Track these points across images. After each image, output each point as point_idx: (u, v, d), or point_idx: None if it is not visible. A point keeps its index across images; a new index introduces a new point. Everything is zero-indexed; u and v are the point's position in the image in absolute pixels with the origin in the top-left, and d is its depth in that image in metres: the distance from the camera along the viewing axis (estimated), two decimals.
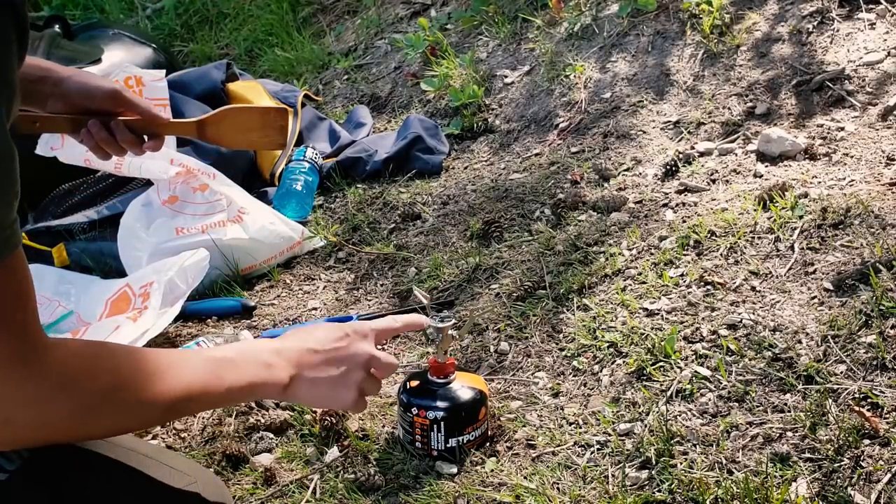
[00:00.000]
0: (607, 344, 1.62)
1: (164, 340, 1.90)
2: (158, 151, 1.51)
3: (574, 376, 1.59)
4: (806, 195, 1.83)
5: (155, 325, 1.77)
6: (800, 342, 1.51)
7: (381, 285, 1.99)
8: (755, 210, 1.83)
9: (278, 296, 2.03)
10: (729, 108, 2.19)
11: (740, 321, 1.57)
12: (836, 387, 1.41)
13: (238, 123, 1.53)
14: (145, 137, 1.46)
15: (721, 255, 1.74)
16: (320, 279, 2.07)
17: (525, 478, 1.40)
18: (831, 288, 1.60)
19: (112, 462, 1.02)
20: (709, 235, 1.79)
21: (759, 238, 1.76)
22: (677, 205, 1.94)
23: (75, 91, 1.39)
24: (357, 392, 1.10)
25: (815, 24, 2.27)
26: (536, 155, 2.31)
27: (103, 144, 1.42)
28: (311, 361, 1.07)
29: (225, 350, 1.10)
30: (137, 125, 1.44)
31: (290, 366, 1.05)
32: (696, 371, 1.51)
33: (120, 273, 2.09)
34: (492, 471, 1.43)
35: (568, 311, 1.73)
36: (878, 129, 1.99)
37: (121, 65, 2.43)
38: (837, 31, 2.24)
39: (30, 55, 1.48)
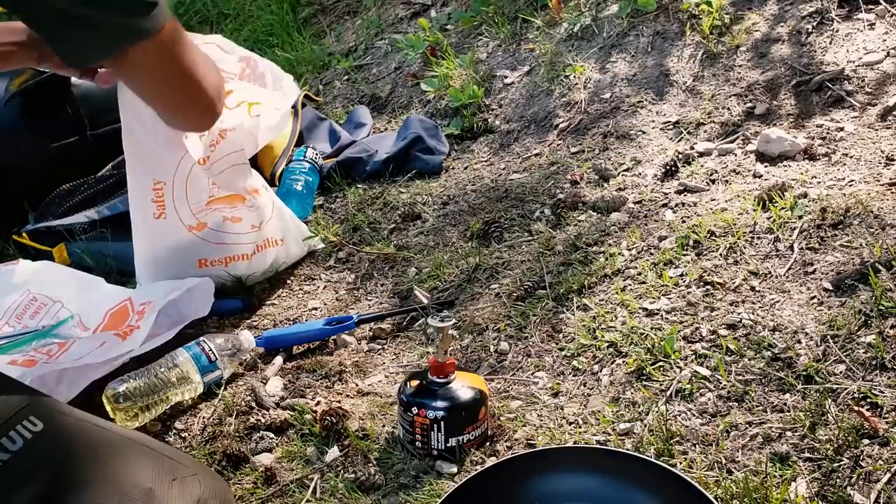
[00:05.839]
0: (607, 344, 1.62)
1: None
2: None
3: (574, 376, 1.59)
4: (805, 195, 1.83)
5: (140, 349, 1.71)
6: (799, 342, 1.51)
7: (382, 285, 1.99)
8: (755, 210, 1.83)
9: (278, 296, 2.03)
10: (728, 109, 2.20)
11: (740, 321, 1.58)
12: (835, 387, 1.42)
13: None
14: None
15: (720, 255, 1.74)
16: (320, 279, 2.08)
17: None
18: (831, 288, 1.60)
19: (113, 446, 1.02)
20: (708, 235, 1.79)
21: (758, 238, 1.77)
22: (677, 205, 1.94)
23: None
24: None
25: (815, 24, 2.27)
26: (536, 155, 2.32)
27: None
28: None
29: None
30: None
31: None
32: (695, 371, 1.52)
33: (120, 273, 2.09)
34: None
35: (568, 311, 1.73)
36: (877, 130, 1.99)
37: None
38: (837, 31, 2.24)
39: None
